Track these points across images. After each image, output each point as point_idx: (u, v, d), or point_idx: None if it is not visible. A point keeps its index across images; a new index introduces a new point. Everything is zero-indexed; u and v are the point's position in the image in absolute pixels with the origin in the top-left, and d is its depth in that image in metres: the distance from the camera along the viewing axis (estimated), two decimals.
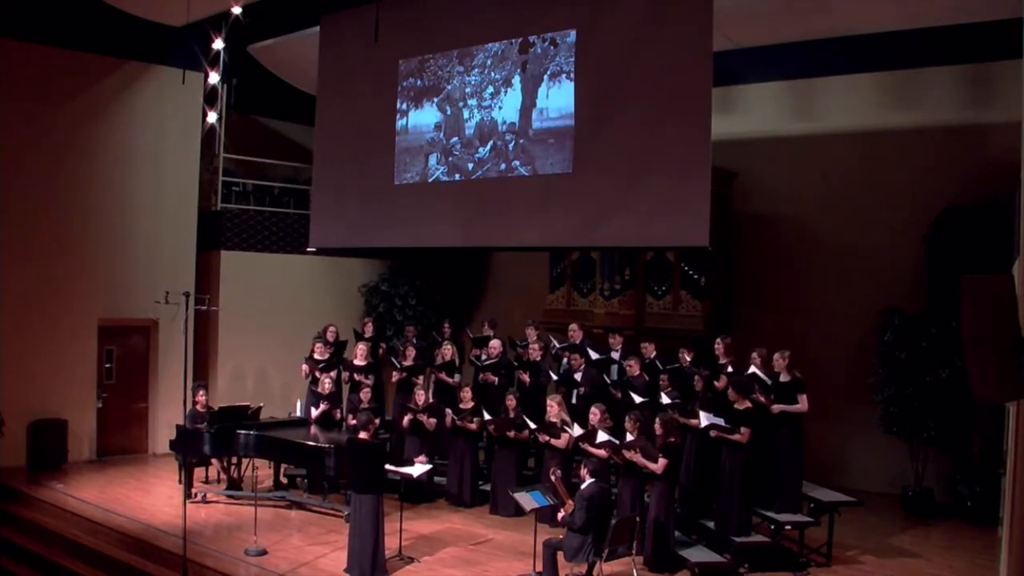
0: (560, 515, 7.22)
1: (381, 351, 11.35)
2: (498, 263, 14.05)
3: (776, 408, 8.22)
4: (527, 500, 7.53)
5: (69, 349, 11.47)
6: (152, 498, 9.98)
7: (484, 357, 10.50)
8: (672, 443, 7.56)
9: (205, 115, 12.31)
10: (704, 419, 7.96)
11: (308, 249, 12.25)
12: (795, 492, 8.25)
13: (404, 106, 10.95)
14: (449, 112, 10.49)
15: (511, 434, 9.33)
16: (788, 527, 7.97)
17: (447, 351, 10.76)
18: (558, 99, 9.49)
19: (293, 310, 12.83)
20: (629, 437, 7.74)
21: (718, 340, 9.08)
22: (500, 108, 10.01)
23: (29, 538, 9.45)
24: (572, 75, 9.36)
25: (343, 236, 11.65)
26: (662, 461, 7.42)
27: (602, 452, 7.89)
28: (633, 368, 9.35)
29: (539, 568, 7.30)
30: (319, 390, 10.25)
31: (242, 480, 10.23)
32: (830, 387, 10.21)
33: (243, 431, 9.66)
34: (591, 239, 9.53)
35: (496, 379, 10.31)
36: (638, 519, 7.43)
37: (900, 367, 9.62)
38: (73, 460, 11.46)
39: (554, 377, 10.16)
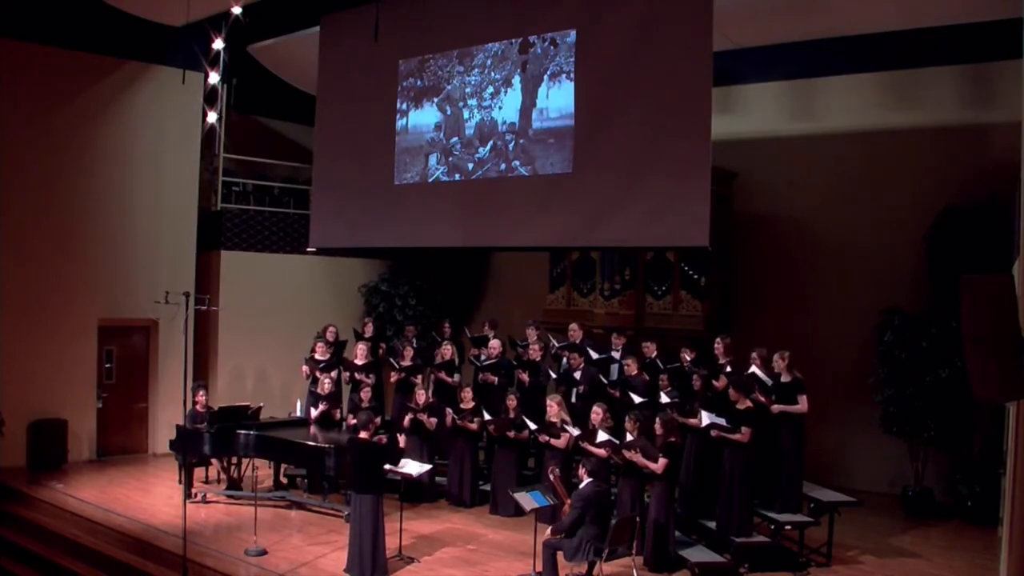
0: (548, 532, 7.23)
1: (381, 351, 11.36)
2: (498, 263, 14.06)
3: (776, 408, 8.23)
4: (527, 500, 7.53)
5: (69, 349, 11.46)
6: (152, 498, 9.98)
7: (484, 357, 10.50)
8: (672, 443, 7.56)
9: (205, 115, 12.31)
10: (706, 418, 7.96)
11: (308, 249, 12.25)
12: (795, 492, 8.26)
13: (404, 106, 10.95)
14: (449, 112, 10.49)
15: (511, 434, 9.33)
16: (788, 527, 7.97)
17: (447, 351, 10.76)
18: (558, 99, 9.49)
19: (293, 310, 12.83)
20: (629, 437, 7.74)
21: (718, 340, 9.08)
22: (500, 108, 10.01)
23: (29, 538, 9.45)
24: (572, 75, 9.36)
25: (343, 236, 11.64)
26: (662, 461, 7.42)
27: (602, 452, 7.90)
28: (631, 368, 9.35)
29: (539, 568, 7.30)
30: (318, 390, 10.25)
31: (242, 480, 10.23)
32: (830, 387, 10.23)
33: (243, 431, 9.66)
34: (591, 239, 9.53)
35: (496, 379, 10.32)
36: (638, 519, 7.43)
37: (900, 367, 9.62)
38: (73, 460, 11.46)
39: (553, 376, 10.17)
